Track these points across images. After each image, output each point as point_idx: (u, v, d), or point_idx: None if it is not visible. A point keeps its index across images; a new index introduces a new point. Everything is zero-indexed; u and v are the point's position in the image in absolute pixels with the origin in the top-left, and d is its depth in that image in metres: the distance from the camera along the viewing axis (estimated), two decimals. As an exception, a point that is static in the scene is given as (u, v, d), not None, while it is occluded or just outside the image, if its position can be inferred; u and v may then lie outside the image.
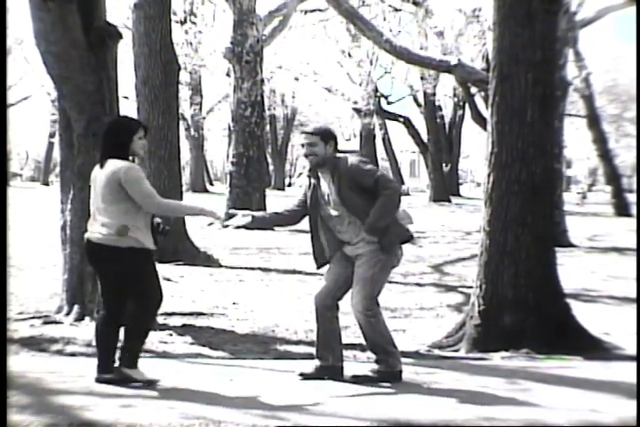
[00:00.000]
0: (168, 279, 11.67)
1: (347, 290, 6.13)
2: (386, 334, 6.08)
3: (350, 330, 8.21)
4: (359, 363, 6.77)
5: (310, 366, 6.15)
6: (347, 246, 6.10)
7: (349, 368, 6.18)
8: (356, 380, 6.02)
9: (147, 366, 6.00)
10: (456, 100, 42.73)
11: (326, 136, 6.11)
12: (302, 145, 6.14)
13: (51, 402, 5.38)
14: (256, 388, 5.82)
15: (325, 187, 6.11)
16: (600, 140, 31.48)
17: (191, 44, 28.46)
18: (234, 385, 5.92)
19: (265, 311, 9.43)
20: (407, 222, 6.11)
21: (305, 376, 6.08)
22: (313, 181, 6.18)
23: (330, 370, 6.11)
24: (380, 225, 5.89)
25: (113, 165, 5.81)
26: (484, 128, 8.95)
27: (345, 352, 7.04)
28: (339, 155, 6.15)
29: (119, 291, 5.87)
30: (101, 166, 5.87)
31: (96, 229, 5.84)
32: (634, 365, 6.51)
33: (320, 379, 6.05)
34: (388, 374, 6.04)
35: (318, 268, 6.25)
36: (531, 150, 7.64)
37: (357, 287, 5.99)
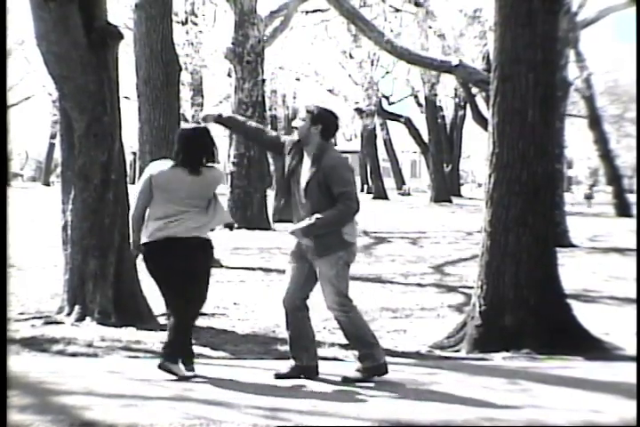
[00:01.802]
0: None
1: (311, 288, 6.14)
2: (365, 326, 6.10)
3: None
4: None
5: (286, 365, 6.16)
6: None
7: (349, 368, 6.18)
8: (348, 381, 5.99)
9: (147, 366, 6.01)
10: (457, 100, 42.78)
11: (315, 118, 6.01)
12: None
13: (51, 402, 5.39)
14: (257, 388, 5.82)
15: (305, 167, 6.04)
16: (601, 140, 31.50)
17: (192, 44, 28.44)
18: (234, 385, 5.92)
19: (266, 312, 9.42)
20: (349, 239, 6.02)
21: (280, 376, 6.07)
22: (298, 153, 6.09)
23: (305, 370, 6.11)
24: (314, 231, 5.88)
25: (211, 172, 6.17)
26: (485, 128, 8.95)
27: (344, 352, 7.07)
28: (334, 150, 6.09)
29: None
30: (198, 174, 6.12)
31: (193, 225, 6.08)
32: (634, 365, 6.51)
33: (296, 378, 6.04)
34: (376, 369, 6.02)
35: (275, 222, 6.27)
36: (532, 151, 7.65)
37: (328, 288, 5.99)
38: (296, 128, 6.08)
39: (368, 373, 6.02)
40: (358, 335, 6.06)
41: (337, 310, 6.00)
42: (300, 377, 6.06)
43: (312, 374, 6.10)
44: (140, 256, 6.26)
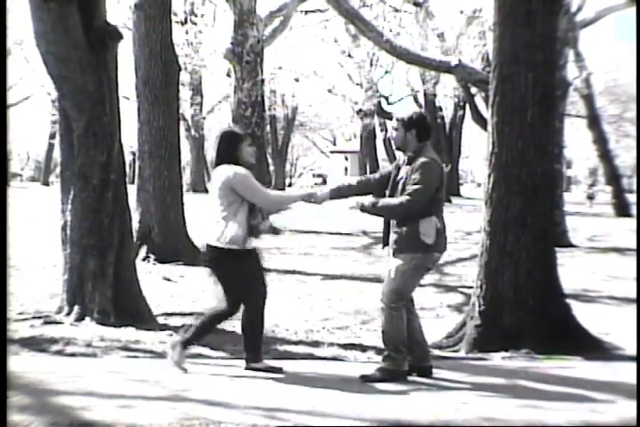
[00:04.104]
0: (168, 279, 11.67)
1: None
2: (402, 332, 6.16)
3: (350, 330, 8.21)
4: (360, 363, 6.78)
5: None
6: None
7: (350, 368, 6.18)
8: (365, 379, 6.06)
9: (146, 366, 6.00)
10: (456, 100, 42.73)
11: (407, 123, 6.27)
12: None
13: (50, 402, 5.38)
14: (256, 388, 5.82)
15: (402, 173, 6.21)
16: (600, 140, 31.46)
17: (191, 44, 28.43)
18: (234, 385, 5.92)
19: (265, 312, 9.40)
20: (426, 240, 6.11)
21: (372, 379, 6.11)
22: (399, 161, 6.33)
23: (414, 369, 6.22)
24: (369, 209, 6.09)
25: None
26: (485, 128, 8.95)
27: (344, 352, 7.05)
28: (429, 151, 6.24)
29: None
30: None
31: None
32: (634, 365, 6.51)
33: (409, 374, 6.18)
34: (394, 373, 6.08)
35: (383, 247, 6.38)
36: (531, 150, 7.65)
37: (387, 279, 6.17)
38: (394, 138, 6.32)
39: (385, 374, 6.08)
40: (391, 336, 6.14)
41: (385, 303, 6.14)
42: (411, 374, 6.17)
43: (426, 374, 6.23)
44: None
